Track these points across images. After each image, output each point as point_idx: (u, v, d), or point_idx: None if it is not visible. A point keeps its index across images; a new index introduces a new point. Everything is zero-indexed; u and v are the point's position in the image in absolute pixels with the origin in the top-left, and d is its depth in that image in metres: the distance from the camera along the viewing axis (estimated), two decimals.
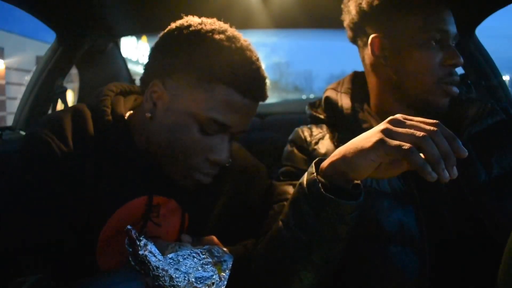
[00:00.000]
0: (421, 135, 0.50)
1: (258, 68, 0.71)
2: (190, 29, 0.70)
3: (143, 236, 0.59)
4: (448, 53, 0.77)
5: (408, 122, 0.53)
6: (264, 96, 0.73)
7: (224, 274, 0.60)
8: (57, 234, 0.67)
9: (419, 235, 0.71)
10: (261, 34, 1.65)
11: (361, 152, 0.54)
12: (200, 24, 0.71)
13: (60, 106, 1.35)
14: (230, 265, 0.63)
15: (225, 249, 0.66)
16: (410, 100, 0.81)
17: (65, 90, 1.35)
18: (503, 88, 1.33)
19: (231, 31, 0.72)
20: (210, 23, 0.72)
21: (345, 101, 0.87)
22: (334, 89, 0.92)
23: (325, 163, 0.61)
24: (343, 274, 0.70)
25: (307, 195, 0.60)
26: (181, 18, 0.75)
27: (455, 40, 0.80)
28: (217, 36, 0.69)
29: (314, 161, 0.63)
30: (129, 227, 0.60)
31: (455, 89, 0.79)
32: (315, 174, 0.60)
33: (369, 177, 0.58)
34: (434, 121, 0.52)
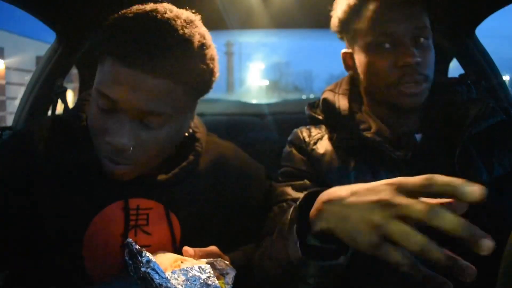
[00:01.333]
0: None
1: (150, 36, 0.61)
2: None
3: (144, 251, 0.58)
4: (398, 53, 0.75)
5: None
6: (156, 67, 0.61)
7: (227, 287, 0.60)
8: (37, 241, 0.67)
9: None
10: (261, 34, 1.65)
11: (353, 235, 0.48)
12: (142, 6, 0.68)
13: (60, 106, 1.35)
14: (233, 279, 0.63)
15: (227, 262, 0.66)
16: (382, 105, 0.83)
17: (65, 90, 1.34)
18: (503, 88, 1.33)
19: (166, 9, 0.66)
20: (154, 6, 0.67)
21: (342, 103, 0.87)
22: (332, 90, 0.92)
23: (314, 217, 0.54)
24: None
25: (293, 247, 0.56)
26: None
27: (422, 35, 0.76)
28: (128, 12, 0.65)
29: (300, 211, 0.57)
30: (129, 240, 0.60)
31: (414, 89, 0.76)
32: (298, 242, 0.55)
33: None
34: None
